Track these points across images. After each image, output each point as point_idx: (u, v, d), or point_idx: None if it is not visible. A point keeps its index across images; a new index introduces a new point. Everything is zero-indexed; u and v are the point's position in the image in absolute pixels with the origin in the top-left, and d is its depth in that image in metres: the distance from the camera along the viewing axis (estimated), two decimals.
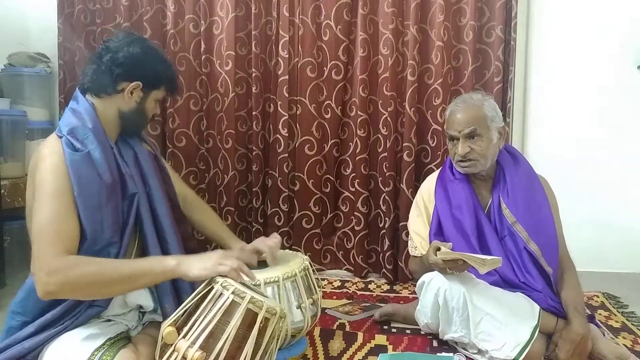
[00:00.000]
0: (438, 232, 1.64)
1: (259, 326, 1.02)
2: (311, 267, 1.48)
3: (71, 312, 1.13)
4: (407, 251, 1.94)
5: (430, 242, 1.62)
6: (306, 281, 1.43)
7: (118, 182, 1.20)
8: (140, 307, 1.26)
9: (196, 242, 1.27)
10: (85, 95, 1.25)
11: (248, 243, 1.51)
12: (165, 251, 1.27)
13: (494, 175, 1.66)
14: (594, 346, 1.42)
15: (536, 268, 1.54)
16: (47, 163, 1.12)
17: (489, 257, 1.34)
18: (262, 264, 1.48)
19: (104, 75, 1.23)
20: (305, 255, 1.58)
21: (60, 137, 1.16)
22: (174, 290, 1.25)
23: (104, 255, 1.13)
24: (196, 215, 1.56)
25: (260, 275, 1.34)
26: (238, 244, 1.50)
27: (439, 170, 1.77)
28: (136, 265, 1.13)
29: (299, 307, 1.37)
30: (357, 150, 2.35)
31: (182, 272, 1.09)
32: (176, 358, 1.00)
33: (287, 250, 1.67)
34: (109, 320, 1.21)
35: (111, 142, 1.24)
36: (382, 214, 2.34)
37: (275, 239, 1.49)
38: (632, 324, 1.82)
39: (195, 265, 1.09)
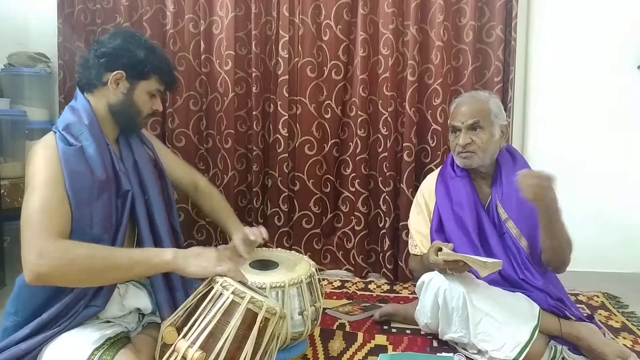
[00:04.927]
0: (439, 228, 1.65)
1: (259, 326, 1.02)
2: (317, 274, 1.48)
3: (67, 313, 1.11)
4: (407, 251, 1.94)
5: (431, 239, 1.63)
6: (310, 288, 1.43)
7: (112, 179, 1.19)
8: (139, 309, 1.25)
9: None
10: (83, 94, 1.26)
11: None
12: None
13: (493, 173, 1.67)
14: (595, 345, 1.42)
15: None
16: (40, 156, 1.12)
17: (490, 261, 1.34)
18: (268, 265, 1.47)
19: (90, 69, 1.24)
20: (305, 255, 1.58)
21: (55, 133, 1.17)
22: (168, 290, 1.24)
23: None
24: (204, 202, 1.57)
25: (267, 279, 1.34)
26: (240, 234, 1.48)
27: (440, 168, 1.78)
28: (131, 253, 1.11)
29: (300, 313, 1.36)
30: (357, 150, 2.35)
31: (179, 267, 1.09)
32: (176, 358, 1.00)
33: (293, 252, 1.67)
34: (108, 322, 1.20)
35: (107, 140, 1.23)
36: (382, 214, 2.34)
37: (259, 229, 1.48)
38: (632, 324, 1.82)
39: (193, 263, 1.09)
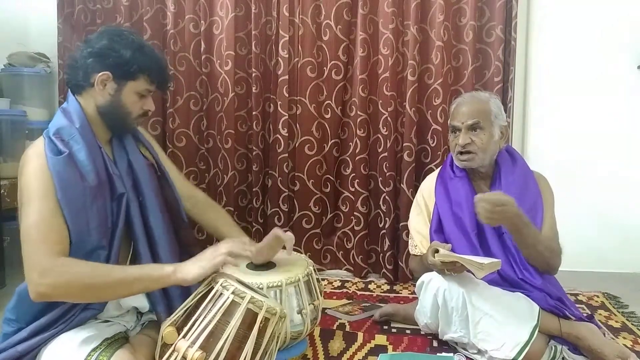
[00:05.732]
0: (438, 229, 1.65)
1: (259, 326, 1.02)
2: (315, 272, 1.48)
3: (65, 316, 1.12)
4: (408, 251, 1.95)
5: (430, 240, 1.63)
6: (309, 287, 1.43)
7: (105, 182, 1.18)
8: (136, 307, 1.25)
9: (200, 249, 1.24)
10: (74, 95, 1.24)
11: None
12: (156, 261, 1.24)
13: (492, 174, 1.68)
14: (595, 345, 1.42)
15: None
16: (31, 167, 1.11)
17: (487, 261, 1.33)
18: (265, 266, 1.47)
19: (77, 70, 1.22)
20: (305, 255, 1.58)
21: (45, 139, 1.15)
22: (165, 297, 1.23)
23: (92, 260, 1.11)
24: (206, 216, 1.52)
25: (264, 279, 1.34)
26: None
27: (439, 168, 1.78)
28: (132, 270, 1.11)
29: (299, 312, 1.36)
30: (357, 150, 2.35)
31: (180, 277, 1.08)
32: (176, 358, 1.00)
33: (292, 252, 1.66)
34: (107, 321, 1.21)
35: (100, 142, 1.22)
36: (382, 214, 2.34)
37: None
38: (632, 324, 1.82)
39: (192, 267, 1.09)
